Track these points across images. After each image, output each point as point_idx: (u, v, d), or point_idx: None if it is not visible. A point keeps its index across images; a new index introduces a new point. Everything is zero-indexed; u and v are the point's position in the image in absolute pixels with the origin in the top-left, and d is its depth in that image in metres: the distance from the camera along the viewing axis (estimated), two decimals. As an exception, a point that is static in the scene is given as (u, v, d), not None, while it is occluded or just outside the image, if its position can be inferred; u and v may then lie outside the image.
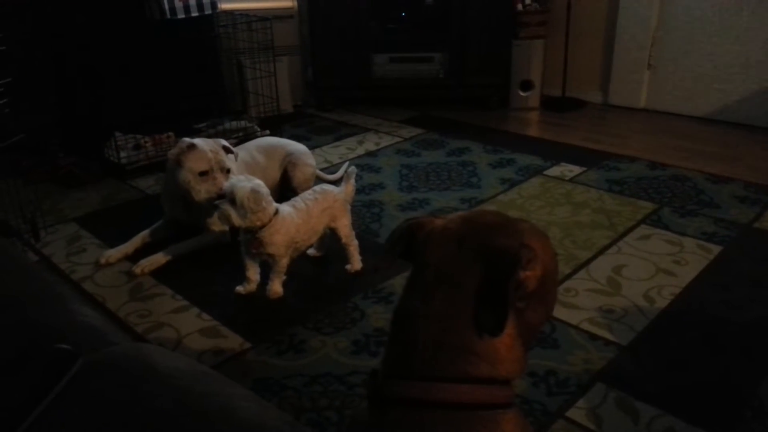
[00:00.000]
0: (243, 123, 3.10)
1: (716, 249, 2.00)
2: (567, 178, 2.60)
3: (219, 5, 3.02)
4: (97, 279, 1.91)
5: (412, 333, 0.73)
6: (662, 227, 2.15)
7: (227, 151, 2.04)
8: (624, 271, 1.89)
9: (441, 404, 0.69)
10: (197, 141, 2.00)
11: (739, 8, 3.06)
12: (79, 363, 0.64)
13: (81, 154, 2.78)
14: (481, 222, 0.75)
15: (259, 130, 3.12)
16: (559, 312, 1.69)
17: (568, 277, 1.87)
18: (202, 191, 1.95)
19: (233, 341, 1.59)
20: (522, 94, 3.60)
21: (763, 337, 1.58)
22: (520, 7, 3.40)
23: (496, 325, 0.69)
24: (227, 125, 3.05)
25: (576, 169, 2.69)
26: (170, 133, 2.96)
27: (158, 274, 1.92)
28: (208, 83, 3.23)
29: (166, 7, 2.80)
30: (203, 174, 1.96)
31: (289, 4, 3.47)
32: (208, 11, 2.97)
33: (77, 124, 2.95)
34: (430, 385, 0.70)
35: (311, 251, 1.97)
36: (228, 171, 1.98)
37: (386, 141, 3.12)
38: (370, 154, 2.95)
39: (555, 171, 2.68)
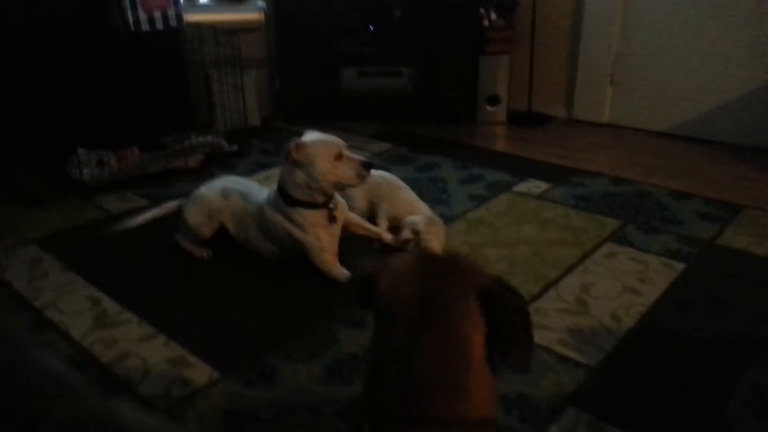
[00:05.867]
0: (210, 138, 3.05)
1: (680, 266, 2.05)
2: (534, 195, 2.64)
3: (185, 18, 2.98)
4: (60, 305, 1.85)
5: (402, 373, 0.71)
6: (627, 245, 2.20)
7: None
8: (592, 290, 1.92)
9: None
10: (307, 136, 1.90)
11: (698, 27, 3.16)
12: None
13: (42, 172, 2.70)
14: (446, 263, 0.75)
15: (227, 145, 3.08)
16: (529, 333, 1.70)
17: (538, 297, 1.89)
18: (348, 172, 1.84)
19: (202, 371, 1.56)
20: (489, 108, 3.65)
21: (728, 357, 1.62)
22: (486, 23, 3.45)
23: (528, 359, 0.69)
24: (194, 140, 3.00)
25: (543, 185, 2.73)
26: (134, 149, 2.91)
27: (124, 299, 1.87)
28: (174, 97, 3.18)
29: (131, 19, 2.75)
30: (338, 158, 1.85)
31: (256, 16, 3.44)
32: (173, 24, 2.93)
33: (38, 139, 2.86)
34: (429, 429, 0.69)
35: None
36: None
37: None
38: (339, 169, 2.94)
39: (523, 187, 2.72)
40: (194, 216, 2.10)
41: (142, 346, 1.65)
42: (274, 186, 1.98)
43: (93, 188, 2.62)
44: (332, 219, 1.95)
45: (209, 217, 2.10)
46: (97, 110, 2.91)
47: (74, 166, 2.69)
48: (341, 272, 1.96)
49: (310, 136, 1.91)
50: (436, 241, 2.08)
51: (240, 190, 2.13)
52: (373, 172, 1.97)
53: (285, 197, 1.92)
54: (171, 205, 2.19)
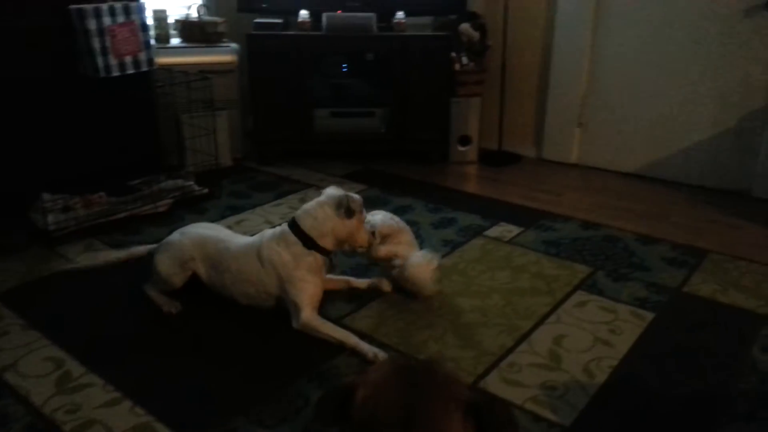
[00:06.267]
0: (180, 181, 3.01)
1: (649, 316, 2.07)
2: (506, 240, 2.66)
3: (156, 62, 2.97)
4: (20, 367, 1.78)
5: None
6: (597, 293, 2.22)
7: None
8: (564, 342, 1.93)
9: None
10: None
11: (665, 71, 3.26)
12: None
13: (4, 218, 2.62)
14: (423, 374, 0.74)
15: (197, 188, 3.05)
16: (504, 391, 1.70)
17: (511, 350, 1.89)
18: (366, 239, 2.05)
19: (170, 439, 1.51)
20: (461, 148, 3.69)
21: (699, 413, 1.63)
22: (458, 66, 3.51)
23: None
24: (163, 184, 2.97)
25: (514, 230, 2.75)
26: (102, 193, 2.86)
27: (88, 361, 1.81)
28: (144, 140, 3.15)
29: (101, 65, 2.72)
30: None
31: (229, 58, 3.44)
32: (144, 68, 2.91)
33: (0, 184, 2.79)
34: None
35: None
36: None
37: (328, 198, 3.11)
38: (312, 213, 2.92)
39: (495, 231, 2.74)
40: (165, 265, 2.07)
41: (106, 413, 1.60)
42: (269, 230, 2.06)
43: (58, 236, 2.55)
44: (332, 267, 2.11)
45: (181, 265, 2.07)
46: (64, 154, 2.86)
47: (38, 212, 2.62)
48: (315, 316, 1.96)
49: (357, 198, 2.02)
50: (423, 277, 2.13)
51: (214, 236, 2.13)
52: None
53: (307, 241, 1.96)
54: (139, 250, 2.17)
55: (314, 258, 1.97)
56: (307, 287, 1.96)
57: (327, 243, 1.98)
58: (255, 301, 2.05)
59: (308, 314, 1.95)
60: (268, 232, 2.05)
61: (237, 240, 2.11)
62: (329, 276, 2.14)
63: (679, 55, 3.19)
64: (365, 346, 1.85)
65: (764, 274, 2.36)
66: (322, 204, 1.98)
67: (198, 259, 2.08)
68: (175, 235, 2.13)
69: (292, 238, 1.97)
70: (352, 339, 1.88)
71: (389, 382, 0.74)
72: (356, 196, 2.01)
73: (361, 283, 2.22)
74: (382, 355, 1.80)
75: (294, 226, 1.98)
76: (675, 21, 3.15)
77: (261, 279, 2.00)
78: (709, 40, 3.09)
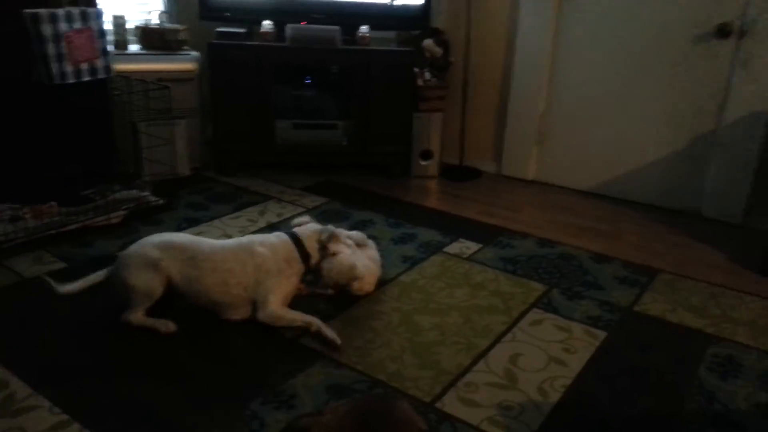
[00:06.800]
0: (135, 192, 2.94)
1: (601, 335, 2.13)
2: (465, 256, 2.69)
3: (113, 69, 2.90)
4: (-40, 388, 1.71)
5: None
6: (552, 311, 2.26)
7: None
8: (520, 361, 1.96)
9: None
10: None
11: (620, 92, 3.36)
12: None
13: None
14: (376, 416, 0.74)
15: (153, 199, 2.98)
16: (461, 411, 1.71)
17: (468, 369, 1.91)
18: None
19: (120, 464, 1.47)
20: (422, 163, 3.72)
21: (651, 431, 1.68)
22: (420, 82, 3.54)
23: None
24: (118, 194, 2.89)
25: (473, 246, 2.78)
26: (53, 203, 2.78)
27: (34, 381, 1.75)
28: (99, 148, 3.06)
29: (55, 72, 2.64)
30: None
31: (189, 66, 3.39)
32: (101, 76, 2.84)
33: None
34: None
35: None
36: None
37: (289, 211, 3.09)
38: (272, 226, 2.90)
39: (454, 248, 2.76)
40: (137, 277, 1.97)
41: (53, 437, 1.54)
42: (256, 236, 2.21)
43: (6, 248, 2.46)
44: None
45: (154, 269, 1.98)
46: (15, 162, 2.76)
47: (-15, 222, 2.52)
48: (282, 306, 2.10)
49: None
50: (367, 281, 2.31)
51: (179, 240, 2.09)
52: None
53: (306, 257, 2.18)
54: (97, 276, 2.03)
55: (300, 266, 2.17)
56: (285, 285, 2.12)
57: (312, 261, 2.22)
58: (231, 299, 2.05)
59: (277, 304, 2.07)
60: (258, 238, 2.18)
61: (211, 243, 2.12)
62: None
63: (632, 78, 3.29)
64: (329, 332, 2.01)
65: (712, 293, 2.45)
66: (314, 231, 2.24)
67: (167, 258, 2.00)
68: (133, 247, 2.05)
69: (292, 247, 2.16)
70: (316, 323, 2.04)
71: (343, 424, 0.74)
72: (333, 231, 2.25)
73: (324, 328, 2.08)
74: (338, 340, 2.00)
75: (297, 242, 2.17)
76: (629, 45, 3.26)
77: (245, 271, 2.06)
78: (660, 65, 3.20)
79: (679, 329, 2.18)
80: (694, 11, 3.05)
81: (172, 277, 2.02)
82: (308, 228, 2.26)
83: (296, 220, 2.34)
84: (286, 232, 2.23)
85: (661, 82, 3.22)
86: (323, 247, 2.21)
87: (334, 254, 2.23)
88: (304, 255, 2.18)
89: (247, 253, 2.10)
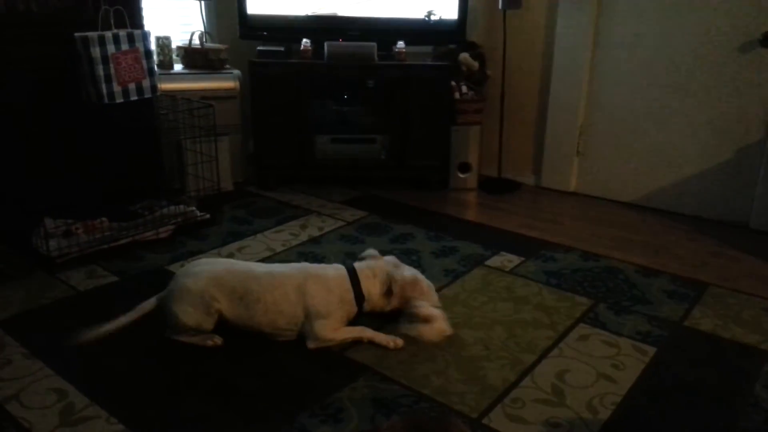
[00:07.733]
0: (181, 207, 3.02)
1: (651, 350, 2.08)
2: (507, 270, 2.67)
3: (159, 89, 2.99)
4: (23, 399, 1.77)
5: None
6: (599, 326, 2.23)
7: None
8: (567, 377, 1.94)
9: None
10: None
11: (661, 102, 3.32)
12: None
13: (6, 244, 2.62)
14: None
15: (198, 213, 3.05)
16: (508, 428, 1.70)
17: (515, 385, 1.89)
18: None
19: (175, 476, 1.50)
20: (461, 175, 3.72)
21: (700, 451, 1.64)
22: (457, 95, 3.55)
23: None
24: (165, 210, 2.97)
25: (515, 260, 2.77)
26: (103, 218, 2.86)
27: (92, 391, 1.80)
28: (146, 165, 3.15)
29: (104, 92, 2.74)
30: None
31: (231, 85, 3.47)
32: (148, 95, 2.93)
33: (2, 209, 2.79)
34: None
35: None
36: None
37: (329, 225, 3.12)
38: (313, 240, 2.94)
39: (496, 261, 2.75)
40: (190, 315, 1.99)
41: (110, 448, 1.59)
42: (312, 265, 2.20)
43: (60, 262, 2.55)
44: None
45: (207, 310, 2.01)
46: (67, 179, 2.86)
47: (40, 237, 2.62)
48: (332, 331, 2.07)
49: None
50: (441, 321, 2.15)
51: (228, 269, 2.08)
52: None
53: (359, 296, 2.13)
54: (146, 306, 2.07)
55: (352, 308, 2.13)
56: (337, 321, 2.09)
57: (366, 305, 2.17)
58: (280, 332, 2.06)
59: (329, 329, 2.05)
60: (313, 270, 2.14)
61: (262, 278, 2.06)
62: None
63: (675, 87, 3.24)
64: (382, 337, 2.08)
65: (764, 308, 2.38)
66: (377, 275, 2.16)
67: (220, 297, 2.02)
68: (186, 280, 2.03)
69: (348, 285, 2.11)
70: (367, 332, 2.09)
71: None
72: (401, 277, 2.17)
73: (376, 335, 2.13)
74: (399, 341, 2.06)
75: (354, 277, 2.13)
76: (671, 54, 3.21)
77: (296, 312, 2.05)
78: (704, 74, 3.14)
79: (731, 345, 2.12)
80: (740, 19, 3.00)
81: (223, 314, 2.04)
82: (370, 265, 2.18)
83: (365, 252, 2.27)
84: (348, 267, 2.17)
85: (706, 92, 3.16)
86: (388, 290, 2.14)
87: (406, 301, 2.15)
88: (359, 297, 2.12)
89: (300, 293, 2.05)
